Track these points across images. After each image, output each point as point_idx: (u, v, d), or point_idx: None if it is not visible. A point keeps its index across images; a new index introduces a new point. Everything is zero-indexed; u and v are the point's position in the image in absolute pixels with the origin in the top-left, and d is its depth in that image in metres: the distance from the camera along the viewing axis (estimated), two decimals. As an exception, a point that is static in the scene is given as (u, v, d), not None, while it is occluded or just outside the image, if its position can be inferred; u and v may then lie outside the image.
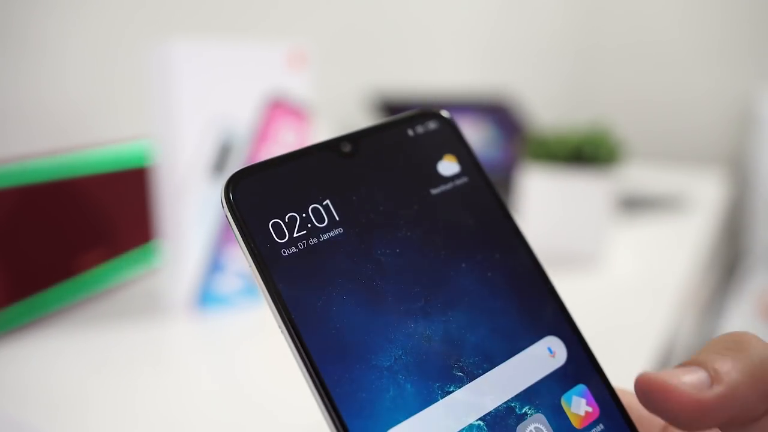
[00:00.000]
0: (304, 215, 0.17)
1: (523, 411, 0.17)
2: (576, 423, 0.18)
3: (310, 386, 0.16)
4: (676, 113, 1.78)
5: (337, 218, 0.17)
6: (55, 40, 0.58)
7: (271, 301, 0.16)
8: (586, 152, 0.69)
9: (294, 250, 0.17)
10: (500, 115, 1.09)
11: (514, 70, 1.52)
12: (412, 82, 1.20)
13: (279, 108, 0.51)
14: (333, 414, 0.15)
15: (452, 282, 0.18)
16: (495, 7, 1.43)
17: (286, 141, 0.52)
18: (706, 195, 1.07)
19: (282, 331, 0.16)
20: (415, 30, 1.19)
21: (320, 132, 0.87)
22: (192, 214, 0.49)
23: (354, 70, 1.06)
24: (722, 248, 1.52)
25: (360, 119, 1.08)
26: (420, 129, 0.19)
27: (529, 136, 0.78)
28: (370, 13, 1.07)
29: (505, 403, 0.17)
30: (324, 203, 0.17)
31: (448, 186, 0.19)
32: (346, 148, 0.18)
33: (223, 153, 0.49)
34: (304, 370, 0.16)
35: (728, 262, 1.73)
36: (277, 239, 0.17)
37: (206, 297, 0.51)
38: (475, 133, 1.04)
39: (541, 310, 0.18)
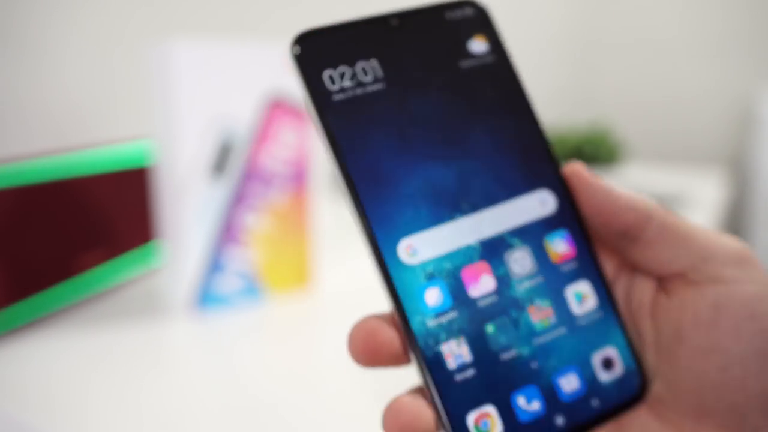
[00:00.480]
0: (353, 70, 0.21)
1: (512, 243, 0.22)
2: (554, 258, 0.22)
3: (348, 199, 0.20)
4: (676, 113, 1.78)
5: (380, 75, 0.21)
6: (55, 40, 0.58)
7: (324, 133, 0.20)
8: (586, 152, 0.69)
9: (343, 96, 0.21)
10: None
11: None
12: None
13: (279, 108, 0.51)
14: (365, 221, 0.20)
15: (468, 137, 0.22)
16: (494, 7, 1.43)
17: (286, 141, 0.52)
18: (706, 195, 1.07)
19: (331, 158, 0.20)
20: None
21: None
22: (192, 214, 0.49)
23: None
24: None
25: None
26: (458, 13, 0.23)
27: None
28: (370, 13, 1.07)
29: (498, 234, 0.22)
30: (371, 62, 0.21)
31: (476, 61, 0.22)
32: (394, 22, 0.22)
33: (223, 153, 0.49)
34: (345, 187, 0.20)
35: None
36: (329, 87, 0.21)
37: (206, 297, 0.51)
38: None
39: (539, 169, 0.22)
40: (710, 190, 1.12)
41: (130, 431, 0.35)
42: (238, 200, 0.51)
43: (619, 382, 0.22)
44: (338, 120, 0.20)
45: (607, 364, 0.22)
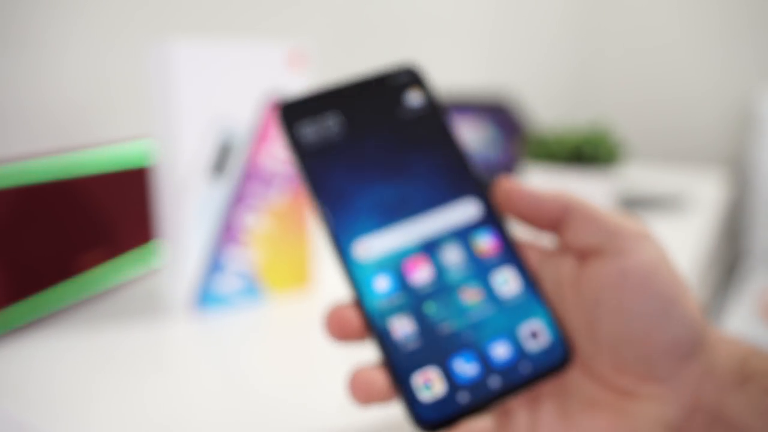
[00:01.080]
0: (322, 123, 0.29)
1: (445, 239, 0.27)
2: (480, 250, 0.27)
3: (318, 216, 0.27)
4: (676, 113, 1.78)
5: (342, 126, 0.29)
6: (55, 40, 0.58)
7: (300, 171, 0.27)
8: (586, 152, 0.69)
9: (314, 141, 0.28)
10: (500, 115, 1.09)
11: (514, 70, 1.52)
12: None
13: (279, 108, 0.51)
14: (329, 231, 0.27)
15: (408, 166, 0.29)
16: (495, 8, 1.43)
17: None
18: (706, 195, 1.07)
19: (305, 187, 0.27)
20: (416, 29, 1.19)
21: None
22: (192, 214, 0.49)
23: (354, 70, 1.06)
24: (722, 248, 1.52)
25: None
26: (398, 77, 0.30)
27: (529, 136, 0.78)
28: (370, 12, 1.07)
29: (434, 233, 0.27)
30: (335, 117, 0.29)
31: (412, 112, 0.30)
32: (353, 89, 0.30)
33: (223, 153, 0.49)
34: (316, 206, 0.27)
35: (728, 262, 1.73)
36: (304, 135, 0.28)
37: (206, 297, 0.51)
38: (475, 133, 1.04)
39: (464, 183, 0.29)
40: (710, 190, 1.12)
41: (130, 431, 0.35)
42: (238, 200, 0.51)
43: (546, 351, 0.26)
44: (310, 160, 0.28)
45: (534, 335, 0.26)
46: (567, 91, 1.86)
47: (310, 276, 0.55)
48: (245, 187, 0.51)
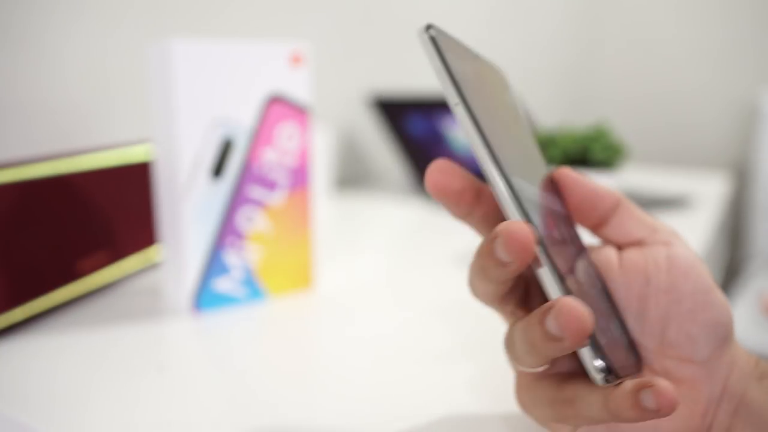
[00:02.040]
0: (465, 64, 0.27)
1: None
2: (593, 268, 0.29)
3: (473, 138, 0.25)
4: (678, 113, 1.78)
5: (476, 77, 0.27)
6: (55, 40, 0.58)
7: (458, 98, 0.25)
8: (587, 153, 0.69)
9: (464, 75, 0.26)
10: (501, 115, 1.09)
11: (513, 70, 1.52)
12: (411, 82, 1.20)
13: (279, 108, 0.51)
14: (493, 160, 0.25)
15: (528, 148, 0.29)
16: (494, 8, 1.43)
17: (286, 141, 0.52)
18: (708, 195, 1.07)
19: (458, 107, 0.25)
20: (415, 30, 1.19)
21: (320, 132, 0.87)
22: (192, 214, 0.49)
23: (353, 70, 1.06)
24: (724, 248, 1.52)
25: (359, 119, 1.08)
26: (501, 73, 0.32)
27: (530, 136, 0.77)
28: (369, 13, 1.07)
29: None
30: (472, 66, 0.28)
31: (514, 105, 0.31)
32: (483, 62, 0.30)
33: (223, 153, 0.49)
34: (475, 132, 0.25)
35: (730, 262, 1.73)
36: (456, 66, 0.26)
37: (206, 297, 0.51)
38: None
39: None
40: (712, 190, 1.12)
41: (129, 430, 0.35)
42: (238, 200, 0.51)
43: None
44: (462, 81, 0.25)
45: None
46: (567, 91, 1.86)
47: (310, 275, 0.55)
48: (245, 187, 0.51)
